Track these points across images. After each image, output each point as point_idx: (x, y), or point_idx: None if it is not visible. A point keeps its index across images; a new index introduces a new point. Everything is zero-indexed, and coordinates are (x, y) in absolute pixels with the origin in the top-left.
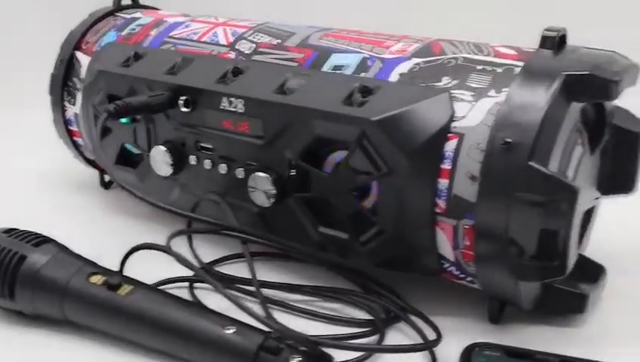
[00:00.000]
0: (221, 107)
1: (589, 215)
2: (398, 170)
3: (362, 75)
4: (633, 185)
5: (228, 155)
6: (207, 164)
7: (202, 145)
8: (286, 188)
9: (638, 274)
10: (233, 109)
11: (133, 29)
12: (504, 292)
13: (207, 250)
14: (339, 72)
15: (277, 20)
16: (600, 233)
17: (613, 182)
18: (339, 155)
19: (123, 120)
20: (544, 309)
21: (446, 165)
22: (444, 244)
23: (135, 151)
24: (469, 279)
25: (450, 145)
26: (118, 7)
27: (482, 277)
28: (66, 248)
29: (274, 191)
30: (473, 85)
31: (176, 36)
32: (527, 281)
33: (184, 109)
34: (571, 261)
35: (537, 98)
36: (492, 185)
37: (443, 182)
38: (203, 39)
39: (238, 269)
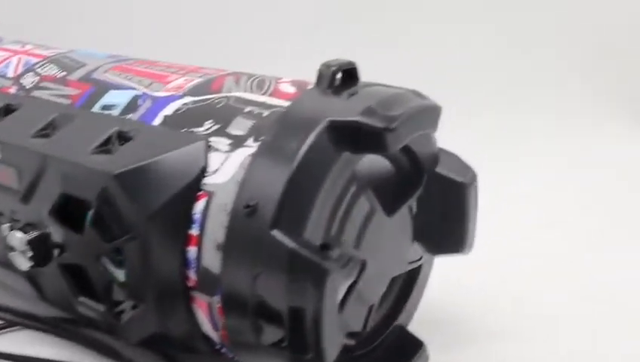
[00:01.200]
0: None
1: (410, 280)
2: (141, 235)
3: (129, 116)
4: (464, 243)
5: None
6: None
7: None
8: (47, 250)
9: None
10: None
11: None
12: None
13: None
14: (107, 112)
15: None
16: (433, 299)
17: (441, 241)
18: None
19: None
20: None
21: (194, 231)
22: (206, 324)
23: None
24: None
25: (199, 206)
26: None
27: None
28: None
29: (30, 253)
30: (233, 132)
31: None
32: None
33: None
34: (332, 350)
35: (289, 150)
36: (234, 257)
37: (192, 251)
38: None
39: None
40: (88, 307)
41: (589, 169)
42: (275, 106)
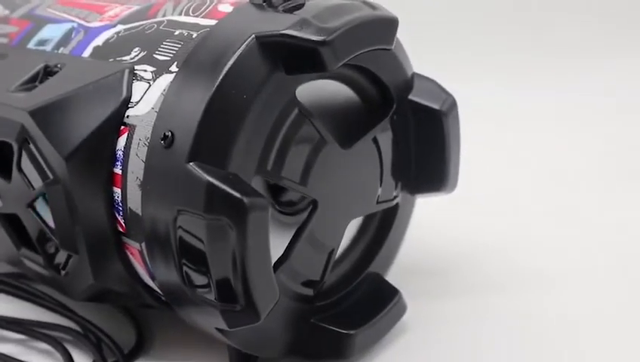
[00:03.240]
0: None
1: (385, 222)
2: (61, 177)
3: (62, 50)
4: (445, 180)
5: None
6: None
7: None
8: None
9: (449, 295)
10: None
11: None
12: (214, 335)
13: None
14: (41, 48)
15: None
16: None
17: (419, 178)
18: None
19: None
20: (301, 355)
21: (117, 169)
22: (143, 274)
23: None
24: None
25: (121, 142)
26: None
27: (183, 317)
28: None
29: None
30: (159, 58)
31: None
32: (219, 327)
33: None
34: (266, 298)
35: (210, 72)
36: (152, 195)
37: (117, 192)
38: None
39: None
40: (30, 259)
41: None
42: (206, 27)
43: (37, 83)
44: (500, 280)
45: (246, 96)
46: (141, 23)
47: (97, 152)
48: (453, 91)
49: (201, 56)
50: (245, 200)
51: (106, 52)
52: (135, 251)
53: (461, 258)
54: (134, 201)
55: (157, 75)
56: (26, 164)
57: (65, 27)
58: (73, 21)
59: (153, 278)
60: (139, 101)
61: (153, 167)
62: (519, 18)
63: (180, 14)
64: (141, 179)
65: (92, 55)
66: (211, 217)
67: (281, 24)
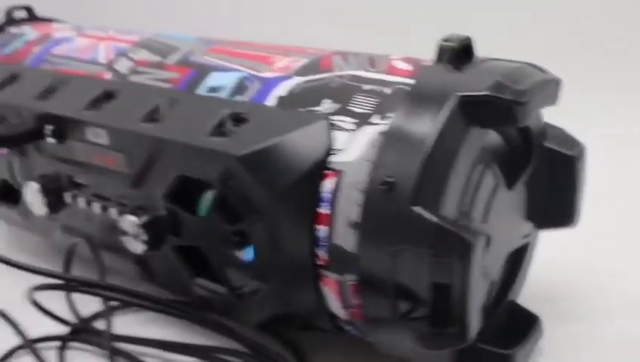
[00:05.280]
0: (87, 138)
1: (520, 255)
2: (268, 216)
3: (238, 98)
4: (573, 216)
5: (100, 193)
6: (82, 202)
7: (76, 181)
8: (160, 233)
9: (578, 320)
10: (100, 141)
11: (17, 47)
12: (407, 358)
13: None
14: (214, 95)
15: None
16: (538, 272)
17: (549, 215)
18: (211, 195)
19: None
20: None
21: (324, 209)
22: (333, 302)
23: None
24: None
25: (327, 185)
26: (9, 21)
27: (377, 342)
28: None
29: (145, 237)
30: (356, 110)
31: (56, 54)
32: (425, 349)
33: (51, 140)
34: (475, 323)
35: (425, 126)
36: (372, 235)
37: (322, 230)
38: (84, 57)
39: (128, 321)
40: (206, 288)
41: None
42: (396, 83)
43: (226, 128)
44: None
45: (452, 147)
46: (320, 76)
47: (304, 194)
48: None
49: (411, 113)
50: (471, 239)
51: (293, 102)
52: (331, 281)
53: (587, 283)
54: (342, 238)
55: (358, 126)
56: (222, 202)
57: (234, 76)
58: (240, 70)
59: (346, 307)
60: (343, 149)
61: (373, 208)
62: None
63: (359, 69)
64: (351, 219)
65: (277, 104)
66: (434, 253)
67: (478, 85)
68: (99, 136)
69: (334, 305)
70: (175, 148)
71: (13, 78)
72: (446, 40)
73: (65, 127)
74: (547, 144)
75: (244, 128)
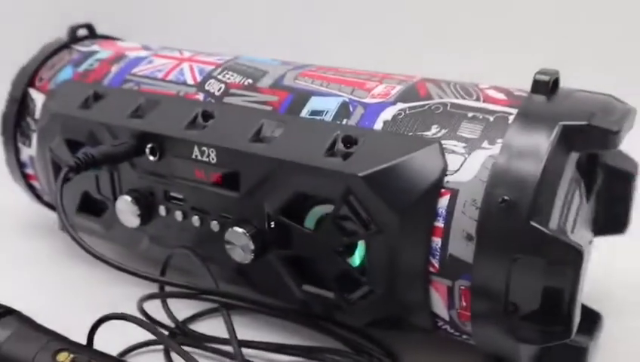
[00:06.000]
0: (193, 156)
1: None
2: (388, 229)
3: (344, 121)
4: (626, 225)
5: (200, 207)
6: (179, 215)
7: (172, 195)
8: (266, 243)
9: (634, 317)
10: (206, 159)
11: (91, 65)
12: (502, 352)
13: (185, 304)
14: (318, 118)
15: (240, 51)
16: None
17: (605, 223)
18: (321, 209)
19: None
20: None
21: (439, 223)
22: (438, 304)
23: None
24: (464, 337)
25: (443, 202)
26: (73, 39)
27: (479, 338)
28: (30, 320)
29: (252, 247)
30: (465, 135)
31: (138, 74)
32: (528, 344)
33: (151, 158)
34: (576, 321)
35: (535, 150)
36: (490, 245)
37: (436, 241)
38: (168, 78)
39: (218, 324)
40: (314, 295)
41: None
42: (497, 112)
43: (337, 149)
44: None
45: (557, 169)
46: (422, 103)
47: (423, 210)
48: None
49: (521, 140)
50: (581, 249)
51: (400, 126)
52: (441, 286)
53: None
54: (457, 249)
55: (470, 149)
56: (341, 217)
57: (335, 101)
58: (340, 95)
59: (451, 308)
60: (457, 170)
61: (490, 222)
62: None
63: (457, 98)
64: (468, 232)
65: (384, 128)
66: (549, 261)
67: (577, 115)
68: (206, 155)
69: (439, 306)
70: (291, 167)
71: (98, 97)
72: (541, 73)
73: (166, 146)
74: (607, 161)
75: (358, 150)
